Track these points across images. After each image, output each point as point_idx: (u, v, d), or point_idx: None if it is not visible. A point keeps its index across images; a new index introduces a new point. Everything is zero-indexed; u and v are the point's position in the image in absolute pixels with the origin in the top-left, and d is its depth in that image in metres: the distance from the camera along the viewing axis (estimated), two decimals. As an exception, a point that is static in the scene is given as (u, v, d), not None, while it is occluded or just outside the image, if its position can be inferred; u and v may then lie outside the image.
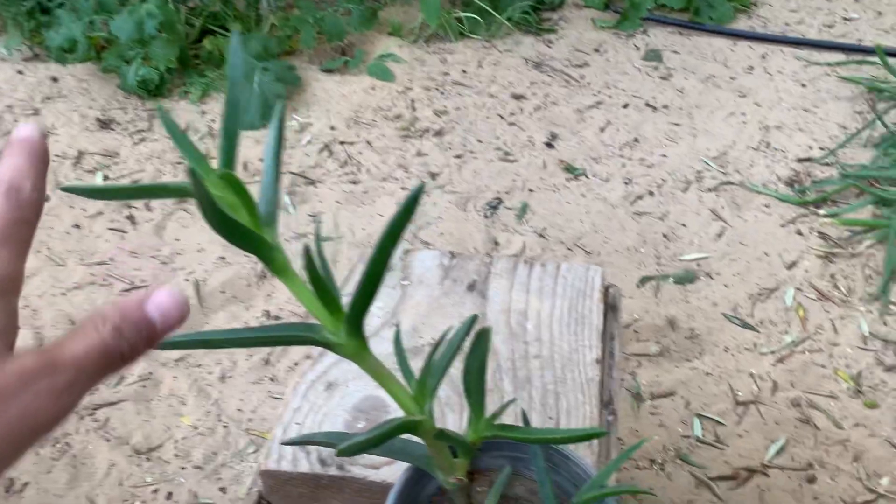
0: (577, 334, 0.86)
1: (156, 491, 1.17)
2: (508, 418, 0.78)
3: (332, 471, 0.73)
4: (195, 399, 1.31)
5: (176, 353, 1.40)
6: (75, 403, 0.31)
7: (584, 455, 0.76)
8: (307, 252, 0.52)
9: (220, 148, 0.53)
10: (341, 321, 0.55)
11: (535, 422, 0.79)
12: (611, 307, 0.95)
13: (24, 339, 1.42)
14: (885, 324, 1.40)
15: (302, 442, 0.62)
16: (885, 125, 1.78)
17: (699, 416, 1.28)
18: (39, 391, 0.29)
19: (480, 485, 0.68)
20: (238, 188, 0.50)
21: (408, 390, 0.59)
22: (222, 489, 1.18)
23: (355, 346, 0.55)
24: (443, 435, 0.57)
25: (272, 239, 0.53)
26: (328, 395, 0.81)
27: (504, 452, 0.69)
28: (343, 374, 0.82)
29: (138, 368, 1.36)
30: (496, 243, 1.61)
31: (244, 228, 0.48)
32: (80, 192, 0.51)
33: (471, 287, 0.94)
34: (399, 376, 0.58)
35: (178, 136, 0.52)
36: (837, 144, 1.78)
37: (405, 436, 0.67)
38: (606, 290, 0.97)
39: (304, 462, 0.73)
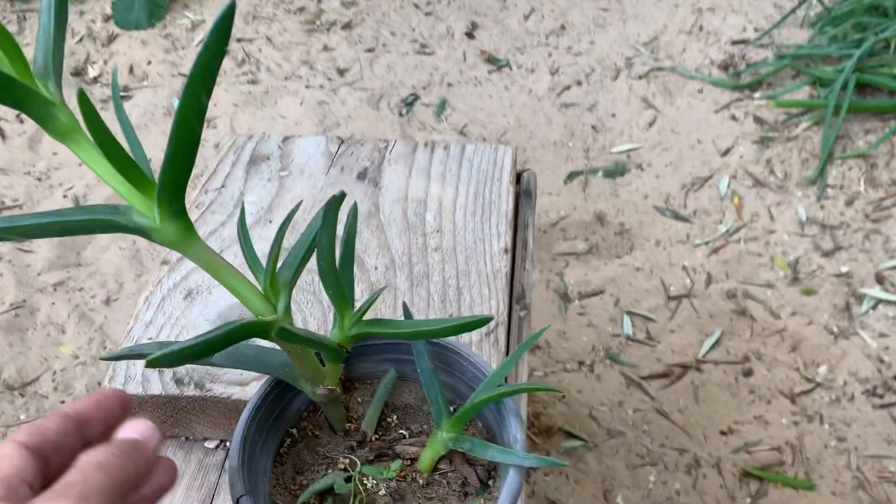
0: (483, 222, 0.75)
1: (31, 429, 1.04)
2: (389, 314, 0.67)
3: (190, 391, 0.60)
4: (76, 326, 1.17)
5: (54, 277, 1.24)
6: None
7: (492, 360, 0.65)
8: (83, 98, 0.38)
9: None
10: (153, 199, 0.41)
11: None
12: (525, 193, 0.83)
13: None
14: (822, 207, 1.33)
15: (126, 356, 0.49)
16: (821, 2, 1.68)
17: (629, 313, 1.19)
18: None
19: (361, 394, 0.57)
20: None
21: (255, 285, 0.47)
22: (108, 422, 1.05)
23: (177, 230, 0.42)
24: (289, 334, 0.45)
25: (51, 94, 0.39)
26: (187, 305, 0.68)
27: (387, 355, 0.57)
28: (206, 279, 0.69)
29: (9, 296, 1.21)
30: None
31: (5, 76, 0.35)
32: None
33: (361, 175, 0.81)
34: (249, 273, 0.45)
35: None
36: (772, 25, 1.68)
37: (258, 342, 0.55)
38: (520, 174, 0.85)
39: (156, 383, 0.61)
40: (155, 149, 1.46)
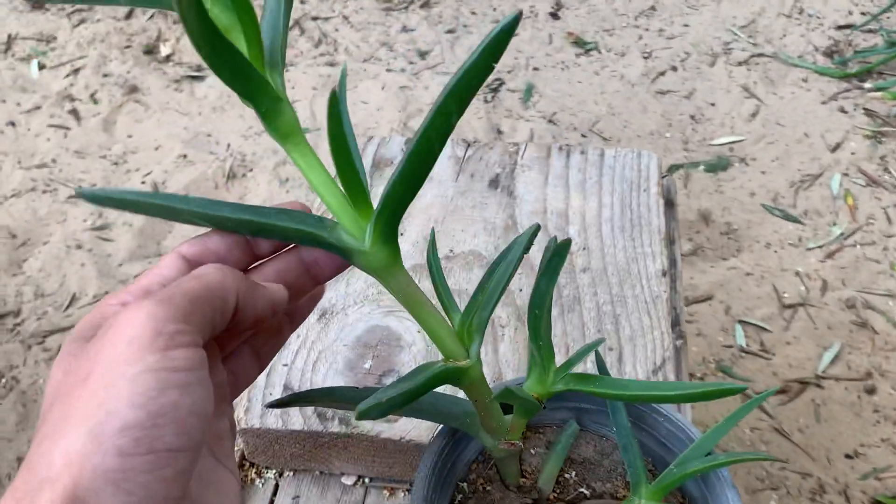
0: (633, 239, 0.68)
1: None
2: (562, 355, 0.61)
3: (335, 427, 0.55)
4: (161, 321, 1.13)
5: (136, 268, 1.20)
6: (176, 315, 0.26)
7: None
8: (334, 102, 0.32)
9: None
10: (368, 220, 0.35)
11: (591, 354, 0.61)
12: (667, 203, 0.76)
13: (-45, 256, 1.22)
14: (944, 211, 1.24)
15: (294, 402, 0.43)
16: (933, -15, 1.56)
17: (741, 322, 1.12)
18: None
19: (535, 445, 0.51)
20: (241, 4, 0.31)
21: (449, 325, 0.41)
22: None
23: (385, 256, 0.35)
24: (509, 394, 0.39)
25: (278, 86, 0.33)
26: (323, 327, 0.62)
27: (564, 403, 0.51)
28: (341, 298, 0.64)
29: (92, 287, 1.17)
30: (499, 132, 1.40)
31: (243, 60, 0.30)
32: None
33: (493, 183, 0.74)
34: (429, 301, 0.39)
35: None
36: (881, 8, 1.57)
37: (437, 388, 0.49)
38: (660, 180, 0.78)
39: (297, 417, 0.56)
40: (232, 134, 1.41)
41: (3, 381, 1.06)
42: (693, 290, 1.16)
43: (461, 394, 0.41)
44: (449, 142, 0.79)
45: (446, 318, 0.40)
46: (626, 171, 0.74)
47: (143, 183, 1.33)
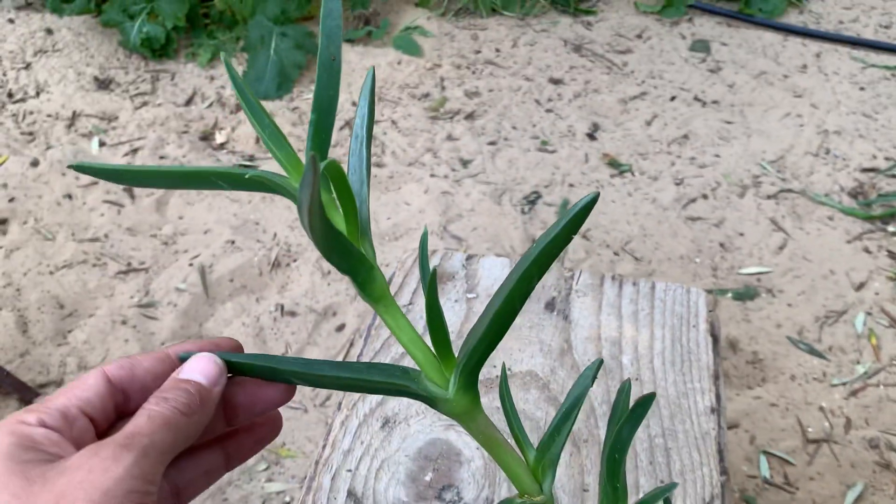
0: (684, 374, 0.72)
1: None
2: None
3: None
4: (198, 403, 1.15)
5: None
6: (145, 471, 0.28)
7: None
8: (432, 281, 0.37)
9: (312, 127, 0.38)
10: (451, 371, 0.40)
11: (644, 484, 0.64)
12: (713, 338, 0.80)
13: (4, 320, 1.26)
14: (966, 358, 1.27)
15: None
16: (954, 137, 1.64)
17: (765, 452, 1.14)
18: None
19: (592, 575, 0.53)
20: (342, 185, 0.35)
21: (523, 461, 0.44)
22: (228, 512, 1.02)
23: (467, 404, 0.40)
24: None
25: (369, 254, 0.38)
26: (385, 436, 0.65)
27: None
28: (403, 408, 0.67)
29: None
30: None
31: (348, 243, 0.34)
32: (96, 172, 0.35)
33: (550, 306, 0.79)
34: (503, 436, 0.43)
35: (250, 101, 0.37)
36: (904, 155, 1.64)
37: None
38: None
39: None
40: (279, 223, 1.47)
41: (40, 451, 1.08)
42: (719, 416, 1.18)
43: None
44: (507, 260, 0.84)
45: (520, 455, 0.44)
46: (677, 306, 0.78)
47: (190, 265, 1.38)
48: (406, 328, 0.40)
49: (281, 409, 1.07)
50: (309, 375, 0.38)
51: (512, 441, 0.45)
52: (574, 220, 0.34)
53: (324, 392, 1.18)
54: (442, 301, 0.78)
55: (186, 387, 0.32)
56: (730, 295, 1.37)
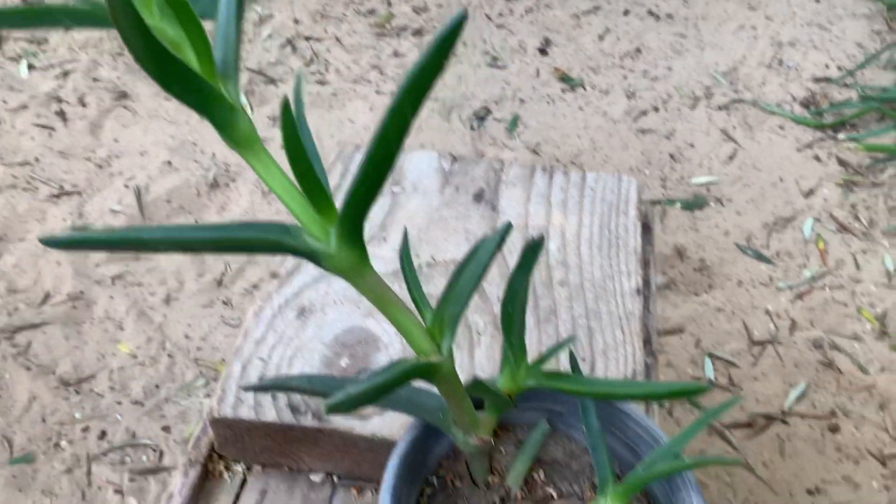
0: (611, 258, 0.70)
1: (86, 429, 0.99)
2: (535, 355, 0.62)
3: (308, 421, 0.55)
4: (135, 323, 1.12)
5: (112, 270, 1.20)
6: None
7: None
8: (286, 110, 0.34)
9: None
10: (333, 222, 0.37)
11: (564, 363, 0.62)
12: (644, 227, 0.78)
13: (-72, 247, 1.21)
14: (910, 260, 1.28)
15: (272, 387, 0.44)
16: (906, 46, 1.63)
17: (711, 355, 1.14)
18: None
19: (504, 444, 0.52)
20: (185, 14, 0.31)
21: (421, 322, 0.42)
22: (165, 428, 1.00)
23: (352, 258, 0.37)
24: (479, 386, 0.40)
25: (232, 96, 0.34)
26: (301, 325, 0.63)
27: (535, 403, 0.52)
28: (320, 297, 0.65)
29: (67, 286, 1.16)
30: (483, 156, 1.42)
31: (192, 74, 0.32)
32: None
33: (478, 197, 0.76)
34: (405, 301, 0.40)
35: None
36: (857, 65, 1.62)
37: (412, 383, 0.50)
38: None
39: (271, 409, 0.56)
40: (218, 144, 1.42)
41: (-31, 374, 1.05)
42: (665, 322, 1.18)
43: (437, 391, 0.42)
44: (436, 154, 0.81)
45: (418, 316, 0.42)
46: (607, 195, 0.76)
47: (126, 187, 1.33)
48: (277, 176, 0.37)
49: (218, 326, 1.05)
50: (176, 240, 0.34)
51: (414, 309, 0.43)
52: (443, 43, 0.31)
53: (264, 309, 1.15)
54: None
55: None
56: (678, 205, 1.35)
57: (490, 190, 0.76)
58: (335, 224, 0.35)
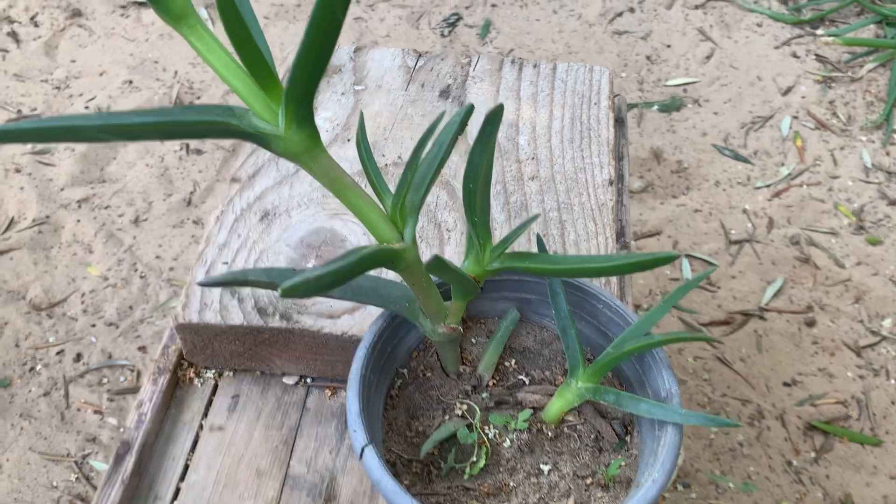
0: (583, 150, 0.68)
1: (61, 352, 0.98)
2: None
3: (276, 322, 0.54)
4: (104, 246, 1.10)
5: (77, 194, 1.17)
6: None
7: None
8: None
9: None
10: (279, 101, 0.35)
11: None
12: (617, 120, 0.76)
13: None
14: (888, 154, 1.26)
15: (228, 282, 0.42)
16: (888, -64, 1.58)
17: (689, 256, 1.13)
18: None
19: (476, 335, 0.51)
20: None
21: (381, 209, 0.40)
22: (142, 348, 0.99)
23: (302, 138, 0.35)
24: (440, 265, 0.38)
25: None
26: (265, 228, 0.61)
27: (505, 293, 0.51)
28: (284, 200, 0.63)
29: (32, 211, 1.13)
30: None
31: None
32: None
33: (444, 93, 0.73)
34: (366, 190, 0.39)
35: None
36: (836, -43, 1.58)
37: (376, 272, 0.49)
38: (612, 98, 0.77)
39: (237, 311, 0.55)
40: (180, 61, 1.37)
41: (-64, 302, 1.03)
42: (642, 225, 1.17)
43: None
44: (399, 51, 0.78)
45: (378, 202, 0.40)
46: (578, 86, 0.74)
47: (86, 108, 1.28)
48: (218, 52, 0.34)
49: (190, 246, 1.01)
50: (114, 126, 0.32)
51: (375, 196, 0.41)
52: None
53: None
54: (328, 95, 0.72)
55: None
56: (655, 107, 1.33)
57: (457, 85, 0.74)
58: (282, 102, 0.33)
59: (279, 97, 0.34)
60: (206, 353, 0.58)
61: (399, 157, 0.67)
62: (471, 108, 0.39)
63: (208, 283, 0.42)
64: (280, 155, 0.34)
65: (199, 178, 1.19)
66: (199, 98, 1.30)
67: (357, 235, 0.61)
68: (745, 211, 1.19)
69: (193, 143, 1.23)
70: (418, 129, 0.69)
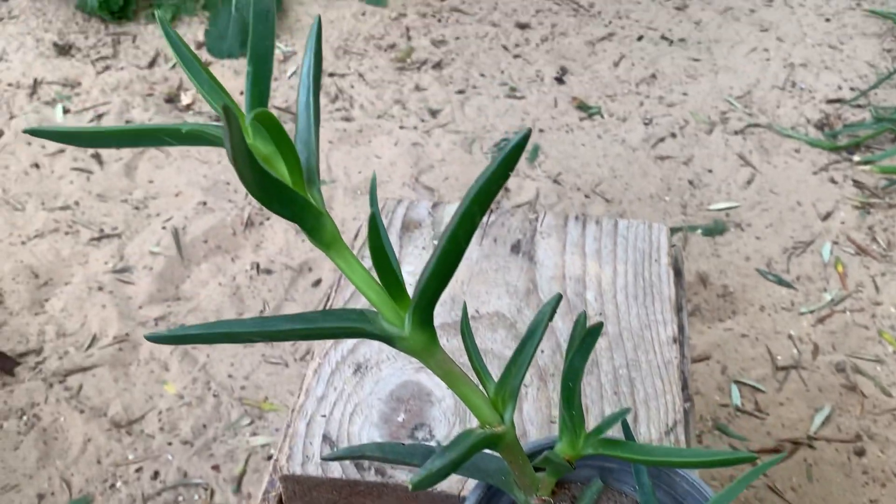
0: (646, 307, 0.74)
1: (139, 469, 1.04)
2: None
3: (371, 476, 0.59)
4: (180, 364, 1.17)
5: (155, 312, 1.24)
6: None
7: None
8: (374, 223, 0.38)
9: (249, 78, 0.37)
10: (406, 310, 0.41)
11: (609, 413, 0.66)
12: (676, 272, 0.82)
13: (-21, 294, 1.26)
14: (929, 281, 1.30)
15: (349, 457, 0.48)
16: (918, 64, 1.66)
17: (737, 382, 1.17)
18: None
19: (560, 500, 0.56)
20: (277, 133, 0.35)
21: (484, 394, 0.46)
22: (215, 467, 1.04)
23: (424, 340, 0.41)
24: (544, 459, 0.44)
25: (317, 201, 0.39)
26: (358, 381, 0.67)
27: (588, 461, 0.56)
28: (374, 353, 0.69)
29: (113, 328, 1.21)
30: (507, 189, 1.46)
31: (289, 190, 0.34)
32: (49, 135, 0.35)
33: (515, 248, 0.80)
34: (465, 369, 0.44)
35: (186, 57, 0.37)
36: (869, 86, 1.66)
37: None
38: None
39: (336, 465, 0.60)
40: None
41: (25, 418, 1.09)
42: (692, 349, 1.21)
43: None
44: (473, 208, 0.85)
45: (481, 388, 0.46)
46: (639, 242, 0.80)
47: (163, 228, 1.38)
48: (358, 270, 0.41)
49: (260, 365, 1.10)
50: (267, 333, 0.39)
51: (476, 378, 0.47)
52: (508, 158, 0.35)
53: (303, 346, 1.20)
54: (409, 249, 0.79)
55: None
56: (699, 231, 1.39)
57: (526, 241, 0.80)
58: (409, 311, 0.39)
59: (407, 306, 0.41)
60: (304, 500, 0.63)
61: (476, 311, 0.73)
62: (559, 299, 0.46)
63: (332, 458, 0.47)
64: (402, 350, 0.41)
65: (268, 297, 1.26)
66: (268, 219, 1.39)
67: (441, 389, 0.66)
68: (790, 336, 1.23)
69: (263, 263, 1.31)
70: (493, 284, 0.76)
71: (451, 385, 0.44)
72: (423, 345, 0.41)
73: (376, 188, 0.44)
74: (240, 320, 0.39)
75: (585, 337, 0.44)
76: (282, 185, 0.34)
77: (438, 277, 0.38)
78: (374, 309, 0.41)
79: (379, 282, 0.40)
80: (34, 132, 0.35)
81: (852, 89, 1.68)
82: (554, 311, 0.46)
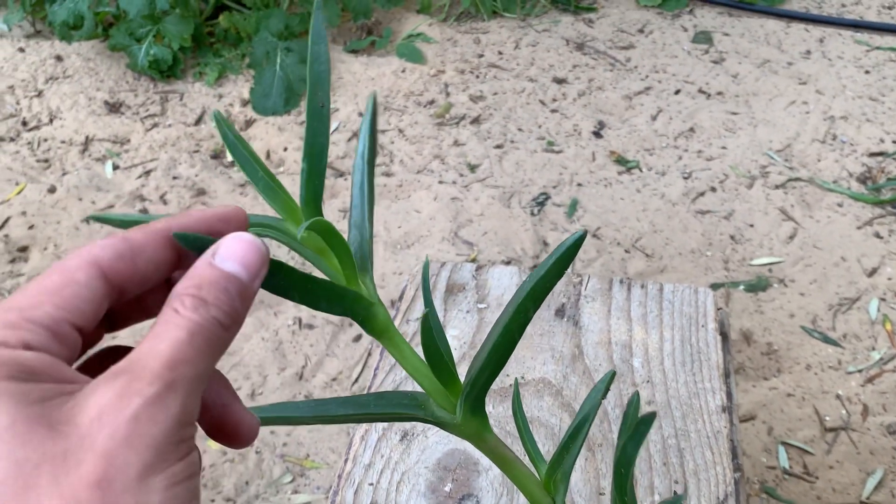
0: (694, 374, 0.73)
1: (182, 527, 1.04)
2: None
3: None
4: (222, 419, 1.18)
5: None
6: (191, 412, 0.22)
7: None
8: (426, 321, 0.38)
9: (304, 175, 0.37)
10: (457, 395, 0.42)
11: (658, 485, 0.65)
12: (723, 336, 0.81)
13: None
14: (982, 339, 1.27)
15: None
16: (962, 116, 1.64)
17: (784, 443, 1.15)
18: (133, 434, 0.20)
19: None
20: (332, 238, 0.35)
21: (536, 477, 0.46)
22: (256, 526, 1.05)
23: (476, 427, 0.42)
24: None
25: (370, 291, 0.39)
26: (404, 449, 0.67)
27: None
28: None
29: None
30: (545, 243, 1.47)
31: (337, 289, 0.35)
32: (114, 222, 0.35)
33: (560, 312, 0.80)
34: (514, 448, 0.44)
35: (243, 156, 0.37)
36: (911, 137, 1.64)
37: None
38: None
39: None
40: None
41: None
42: (737, 409, 1.19)
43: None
44: (517, 269, 0.86)
45: (533, 470, 0.46)
46: (685, 307, 0.80)
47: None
48: (411, 358, 0.41)
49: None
50: (322, 418, 0.40)
51: (526, 458, 0.47)
52: (563, 259, 0.36)
53: (344, 403, 1.20)
54: (453, 313, 0.80)
55: (228, 285, 0.24)
56: (742, 287, 1.38)
57: (571, 304, 0.80)
58: (460, 399, 0.40)
59: (458, 391, 0.41)
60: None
61: (522, 377, 0.73)
62: (612, 376, 0.46)
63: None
64: (454, 434, 0.41)
65: (310, 353, 1.27)
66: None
67: (488, 459, 0.66)
68: (838, 396, 1.21)
69: (305, 318, 1.33)
70: (537, 349, 0.76)
71: (503, 468, 0.44)
72: (475, 430, 0.41)
73: (428, 279, 0.45)
74: (294, 403, 0.40)
75: (639, 425, 0.43)
76: (331, 286, 0.34)
77: (491, 367, 0.38)
78: (426, 394, 0.41)
79: (429, 369, 0.40)
80: (100, 220, 0.36)
81: (894, 142, 1.66)
82: (607, 391, 0.46)
